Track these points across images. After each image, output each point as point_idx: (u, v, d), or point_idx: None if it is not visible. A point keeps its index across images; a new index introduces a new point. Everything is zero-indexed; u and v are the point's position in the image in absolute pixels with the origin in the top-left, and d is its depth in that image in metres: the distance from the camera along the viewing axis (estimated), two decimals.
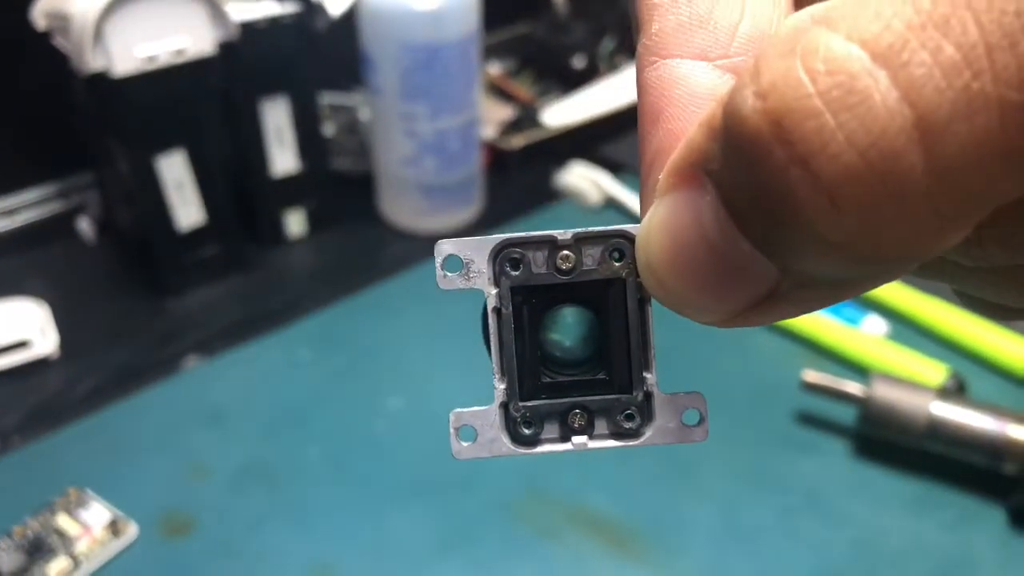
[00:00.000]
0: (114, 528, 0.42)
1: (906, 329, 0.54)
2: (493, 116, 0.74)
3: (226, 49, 0.55)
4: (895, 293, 0.55)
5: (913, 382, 0.46)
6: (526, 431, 0.17)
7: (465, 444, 0.17)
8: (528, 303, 0.17)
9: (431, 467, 0.46)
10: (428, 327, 0.55)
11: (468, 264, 0.17)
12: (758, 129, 0.11)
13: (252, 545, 0.42)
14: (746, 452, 0.47)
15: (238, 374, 0.52)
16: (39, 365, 0.53)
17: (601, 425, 0.17)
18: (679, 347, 0.53)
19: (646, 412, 0.17)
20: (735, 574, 0.41)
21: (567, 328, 0.17)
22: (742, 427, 0.48)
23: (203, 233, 0.58)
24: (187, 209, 0.57)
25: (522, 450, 0.17)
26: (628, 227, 0.16)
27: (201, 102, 0.55)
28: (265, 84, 0.58)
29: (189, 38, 0.53)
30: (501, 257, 0.17)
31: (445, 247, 0.17)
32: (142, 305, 0.58)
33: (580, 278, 0.16)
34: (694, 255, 0.13)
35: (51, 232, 0.64)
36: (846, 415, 0.48)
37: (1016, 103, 0.10)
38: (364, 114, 0.69)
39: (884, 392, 0.46)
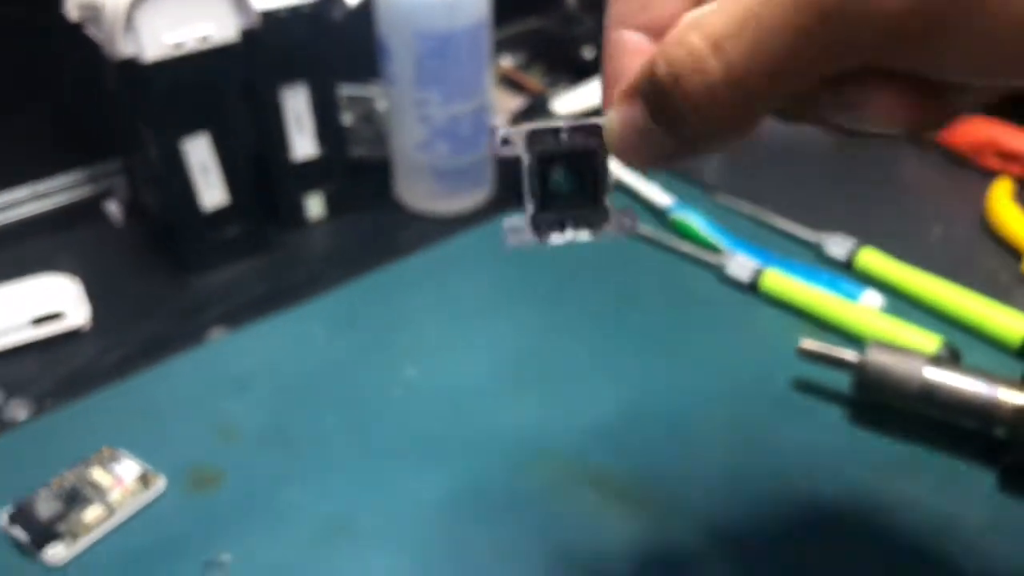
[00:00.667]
0: (144, 480, 0.44)
1: (903, 303, 0.56)
2: (504, 107, 0.77)
3: (248, 36, 0.57)
4: (893, 268, 0.57)
5: (907, 349, 0.48)
6: (542, 228, 0.29)
7: (511, 239, 0.29)
8: (544, 162, 0.29)
9: (444, 431, 0.48)
10: (441, 304, 0.57)
11: (513, 142, 0.28)
12: (665, 76, 0.24)
13: (274, 500, 0.44)
14: (744, 416, 0.49)
15: (261, 345, 0.54)
16: (72, 336, 0.56)
17: (581, 227, 0.30)
18: (682, 323, 0.56)
19: (605, 216, 0.29)
20: (733, 528, 0.43)
21: (564, 177, 0.29)
22: (740, 394, 0.50)
23: (227, 214, 0.61)
24: (211, 191, 0.60)
25: (540, 239, 0.30)
26: (599, 120, 0.28)
27: (225, 87, 0.58)
28: (285, 71, 0.61)
29: (214, 25, 0.55)
30: (530, 137, 0.28)
31: (500, 132, 0.29)
32: (168, 282, 0.61)
33: (573, 148, 0.29)
34: (632, 135, 0.26)
35: (81, 215, 0.67)
36: (842, 383, 0.50)
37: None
38: (380, 104, 0.72)
39: (878, 358, 0.48)
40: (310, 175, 0.65)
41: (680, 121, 0.24)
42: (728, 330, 0.55)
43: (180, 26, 0.54)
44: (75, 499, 0.43)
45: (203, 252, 0.61)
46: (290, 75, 0.61)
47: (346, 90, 0.73)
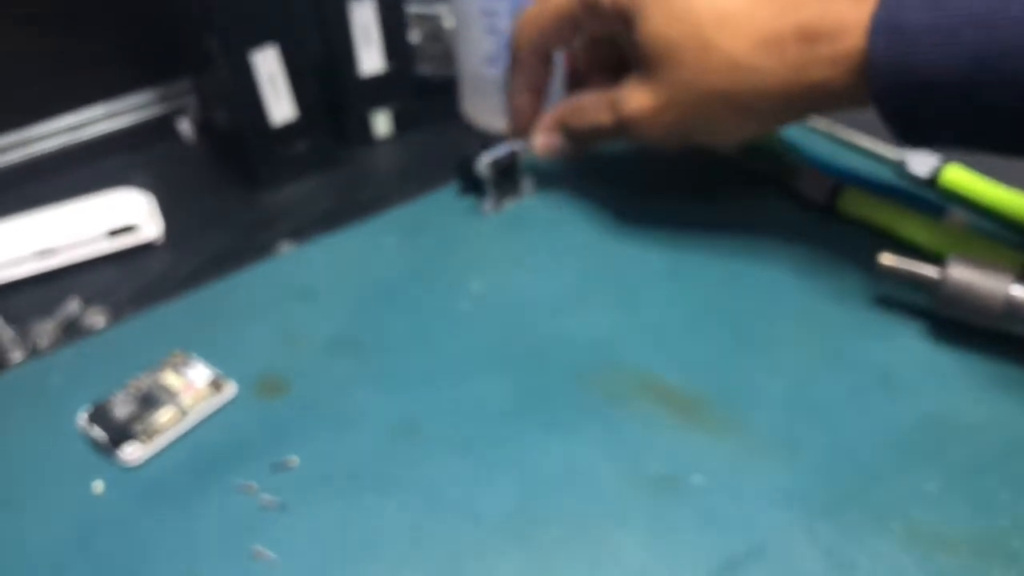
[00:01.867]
0: (216, 385, 0.45)
1: (990, 222, 0.54)
2: None
3: None
4: (980, 185, 0.55)
5: (992, 264, 0.46)
6: (496, 204, 0.57)
7: (485, 210, 0.55)
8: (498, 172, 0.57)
9: (509, 342, 0.48)
10: (508, 219, 0.57)
11: (482, 171, 0.57)
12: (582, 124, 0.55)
13: (342, 404, 0.45)
14: (819, 332, 0.48)
15: (329, 257, 0.54)
16: (146, 249, 0.57)
17: (511, 197, 0.58)
18: (754, 242, 0.54)
19: (519, 191, 0.58)
20: (803, 445, 0.42)
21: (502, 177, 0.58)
22: (816, 310, 0.49)
23: (295, 129, 0.61)
24: (280, 104, 0.60)
25: (497, 209, 0.57)
26: (515, 147, 0.57)
27: None
28: None
29: None
30: (493, 166, 0.57)
31: (479, 168, 0.57)
32: (238, 197, 0.61)
33: (506, 163, 0.58)
34: (553, 149, 0.56)
35: (154, 133, 0.68)
36: (921, 300, 0.48)
37: None
38: (447, 22, 0.71)
39: (961, 274, 0.46)
40: (377, 91, 0.65)
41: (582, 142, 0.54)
42: (804, 249, 0.53)
43: None
44: (149, 402, 0.44)
45: (272, 167, 0.62)
46: None
47: (414, 7, 0.72)
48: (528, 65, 0.55)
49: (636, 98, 0.49)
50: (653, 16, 0.47)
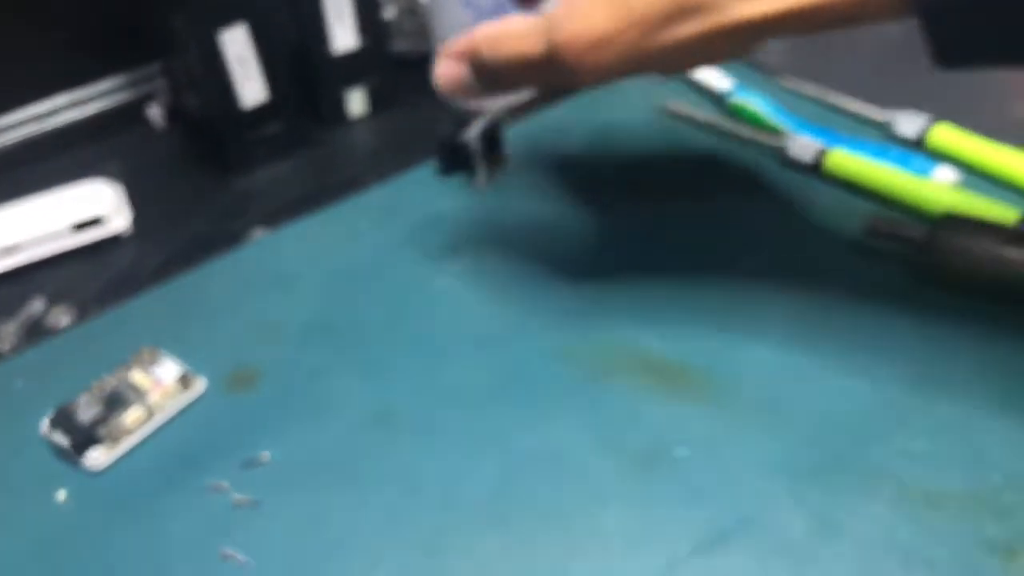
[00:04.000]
0: (184, 381, 0.44)
1: (980, 180, 0.52)
2: None
3: None
4: (969, 144, 0.53)
5: (982, 222, 0.45)
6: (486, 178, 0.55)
7: (476, 185, 0.53)
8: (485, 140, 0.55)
9: (487, 322, 0.46)
10: (486, 198, 0.55)
11: (470, 139, 0.55)
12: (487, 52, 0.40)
13: (316, 394, 0.43)
14: (807, 296, 0.46)
15: (303, 243, 0.53)
16: (113, 241, 0.55)
17: (496, 170, 0.56)
18: (741, 207, 0.52)
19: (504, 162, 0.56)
20: (791, 412, 0.41)
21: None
22: (804, 273, 0.48)
23: (267, 110, 0.59)
24: (250, 85, 0.58)
25: (488, 183, 0.55)
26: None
27: None
28: None
29: None
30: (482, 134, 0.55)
31: (468, 137, 0.54)
32: (210, 183, 0.60)
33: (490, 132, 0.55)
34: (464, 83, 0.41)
35: (123, 120, 0.66)
36: (910, 259, 0.47)
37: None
38: None
39: (950, 235, 0.44)
40: (351, 69, 0.63)
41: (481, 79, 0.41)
42: (789, 213, 0.52)
43: None
44: (116, 402, 0.43)
45: (244, 151, 0.60)
46: None
47: None
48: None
49: (580, 16, 0.36)
50: None
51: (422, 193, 0.56)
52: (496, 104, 0.54)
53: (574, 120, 0.61)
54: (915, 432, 0.40)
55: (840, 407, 0.41)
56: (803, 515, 0.37)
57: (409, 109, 0.65)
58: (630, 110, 0.61)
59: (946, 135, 0.54)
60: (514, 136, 0.58)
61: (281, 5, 0.59)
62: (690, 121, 0.59)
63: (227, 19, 0.56)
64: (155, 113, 0.66)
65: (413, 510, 0.38)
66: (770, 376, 0.43)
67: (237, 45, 0.57)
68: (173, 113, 0.66)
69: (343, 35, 0.62)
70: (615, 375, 0.43)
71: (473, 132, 0.54)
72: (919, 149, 0.55)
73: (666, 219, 0.52)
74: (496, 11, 0.59)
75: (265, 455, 0.41)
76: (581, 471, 0.39)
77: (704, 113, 0.59)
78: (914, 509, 0.37)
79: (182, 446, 0.42)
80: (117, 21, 0.66)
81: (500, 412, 0.42)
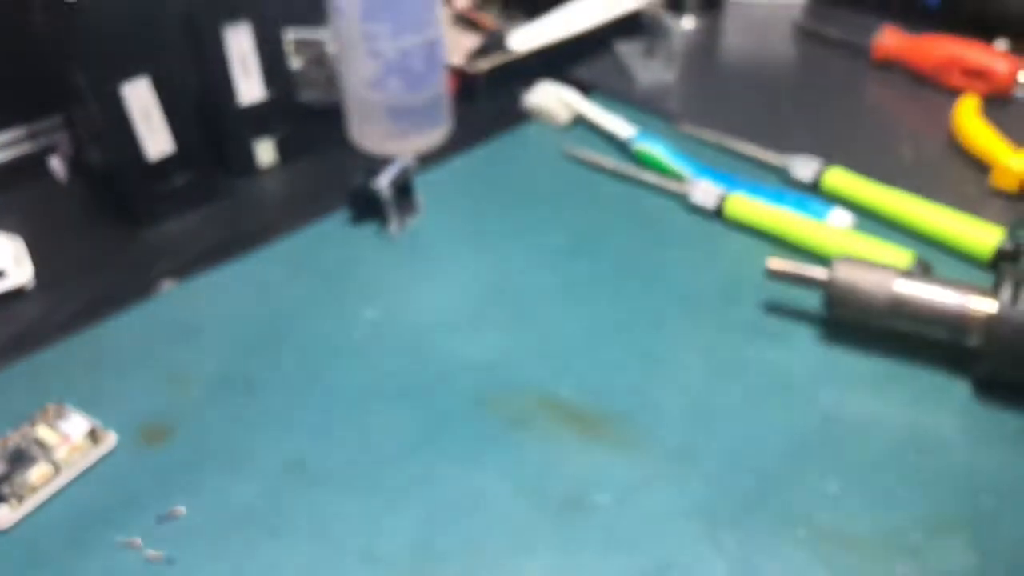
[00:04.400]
0: (94, 436, 0.43)
1: (872, 222, 0.55)
2: (461, 45, 0.75)
3: None
4: (861, 187, 0.56)
5: (877, 263, 0.47)
6: (399, 223, 0.57)
7: (392, 231, 0.55)
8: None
9: (406, 371, 0.47)
10: (399, 245, 0.56)
11: (382, 190, 0.55)
12: None
13: (230, 447, 0.43)
14: (715, 342, 0.48)
15: (213, 294, 0.52)
16: (15, 296, 0.53)
17: (408, 216, 0.58)
18: (648, 254, 0.54)
19: (414, 209, 0.57)
20: (704, 456, 0.42)
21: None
22: (710, 319, 0.49)
23: (173, 162, 0.59)
24: (155, 138, 0.57)
25: (401, 228, 0.56)
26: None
27: (162, 25, 0.55)
28: (226, 6, 0.58)
29: None
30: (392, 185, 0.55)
31: (379, 189, 0.55)
32: (116, 236, 0.58)
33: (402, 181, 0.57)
34: None
35: (23, 173, 0.65)
36: (812, 302, 0.49)
37: None
38: (331, 48, 0.69)
39: (847, 273, 0.46)
40: (259, 120, 0.63)
41: None
42: (695, 258, 0.54)
43: None
44: (20, 460, 0.41)
45: (150, 204, 0.59)
46: (232, 11, 0.58)
47: (294, 33, 0.70)
48: None
49: None
50: None
51: (334, 242, 0.56)
52: (406, 151, 0.55)
53: (483, 167, 0.62)
54: (826, 475, 0.41)
55: (753, 451, 0.42)
56: (721, 559, 0.38)
57: (319, 158, 0.65)
58: (538, 157, 0.63)
59: (839, 179, 0.57)
60: (424, 183, 0.59)
61: (185, 57, 0.58)
62: (597, 167, 0.61)
63: (128, 73, 0.55)
64: (57, 166, 0.65)
65: (333, 564, 0.38)
66: (684, 420, 0.44)
67: (140, 99, 0.56)
68: (76, 165, 0.65)
69: (249, 86, 0.62)
70: (535, 423, 0.44)
71: (384, 180, 0.55)
72: (815, 192, 0.58)
73: (578, 265, 0.53)
74: (403, 61, 0.60)
75: (179, 510, 0.40)
76: (504, 519, 0.39)
77: (610, 160, 0.61)
78: (829, 551, 0.38)
79: (93, 502, 0.40)
80: (17, 71, 0.65)
81: (420, 462, 0.42)
